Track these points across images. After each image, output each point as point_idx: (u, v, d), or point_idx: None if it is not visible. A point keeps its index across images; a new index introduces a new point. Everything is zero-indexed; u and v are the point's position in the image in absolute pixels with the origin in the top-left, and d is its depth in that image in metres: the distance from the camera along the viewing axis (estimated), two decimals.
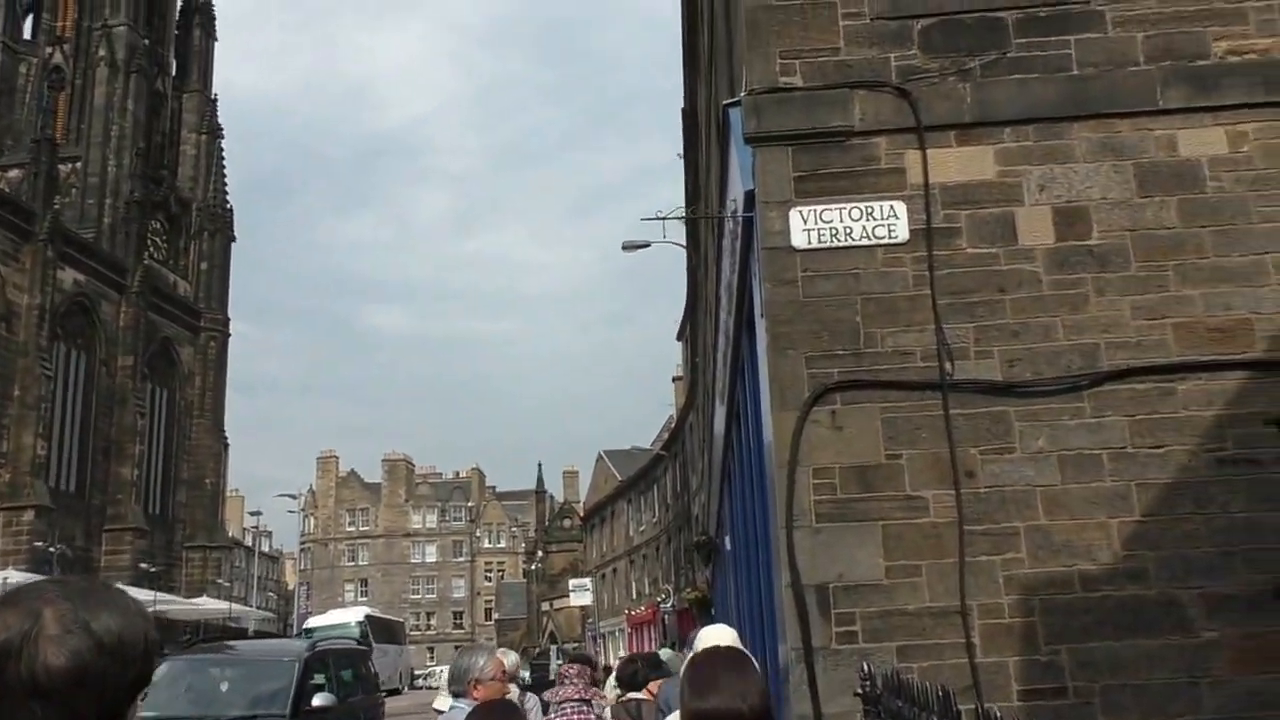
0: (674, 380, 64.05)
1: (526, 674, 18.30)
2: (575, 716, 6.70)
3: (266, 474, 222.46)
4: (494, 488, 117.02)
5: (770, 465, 7.66)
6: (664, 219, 8.42)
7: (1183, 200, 7.85)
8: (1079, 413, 7.45)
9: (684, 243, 32.48)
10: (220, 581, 60.46)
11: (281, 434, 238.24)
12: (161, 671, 13.62)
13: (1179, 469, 7.38)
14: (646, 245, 34.22)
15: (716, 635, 5.14)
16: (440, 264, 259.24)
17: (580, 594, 72.88)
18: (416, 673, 74.82)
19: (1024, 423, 7.45)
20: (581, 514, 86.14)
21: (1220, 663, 7.06)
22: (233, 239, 71.07)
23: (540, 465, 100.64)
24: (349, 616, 47.95)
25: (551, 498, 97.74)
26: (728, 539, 18.64)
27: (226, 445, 68.09)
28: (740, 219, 8.25)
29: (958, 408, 7.46)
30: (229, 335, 69.61)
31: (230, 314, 70.38)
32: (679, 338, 58.87)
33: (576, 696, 6.89)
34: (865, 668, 4.60)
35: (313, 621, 49.05)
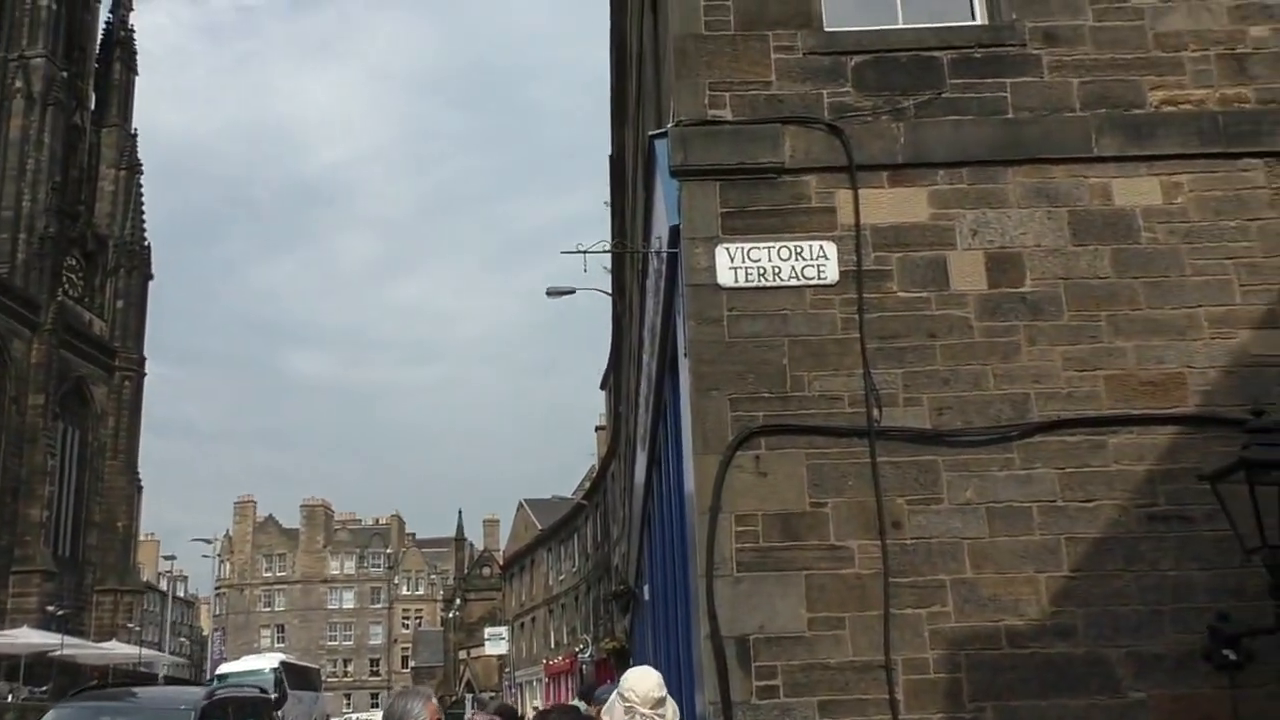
0: (597, 430, 63.61)
1: None
2: None
3: (183, 519, 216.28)
4: (414, 535, 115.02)
5: (691, 512, 7.31)
6: (586, 253, 8.00)
7: (1117, 250, 7.70)
8: (1008, 464, 7.22)
9: (609, 290, 32.26)
10: (131, 626, 58.14)
11: (199, 479, 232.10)
12: (48, 719, 12.77)
13: (1109, 524, 7.16)
14: (571, 291, 33.86)
15: (641, 676, 4.92)
16: (366, 310, 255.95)
17: (496, 643, 71.39)
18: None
19: (952, 473, 7.19)
20: (501, 562, 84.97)
21: None
22: (150, 277, 69.20)
23: (460, 513, 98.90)
24: (264, 663, 46.22)
25: (471, 545, 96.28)
26: (646, 588, 18.20)
27: (140, 487, 65.86)
28: (665, 255, 7.96)
29: (885, 455, 7.19)
30: (144, 375, 67.56)
31: (147, 354, 68.47)
32: (602, 386, 58.58)
33: None
34: None
35: (226, 667, 47.25)
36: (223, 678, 43.43)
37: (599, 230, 33.03)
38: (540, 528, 72.75)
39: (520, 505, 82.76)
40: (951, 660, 6.85)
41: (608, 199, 31.04)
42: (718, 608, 6.84)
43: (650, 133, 8.80)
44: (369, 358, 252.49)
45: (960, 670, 6.84)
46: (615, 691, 4.94)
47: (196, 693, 14.12)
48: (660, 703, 4.73)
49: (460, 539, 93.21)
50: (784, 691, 6.74)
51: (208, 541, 60.12)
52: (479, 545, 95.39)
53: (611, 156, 29.12)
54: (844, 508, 7.09)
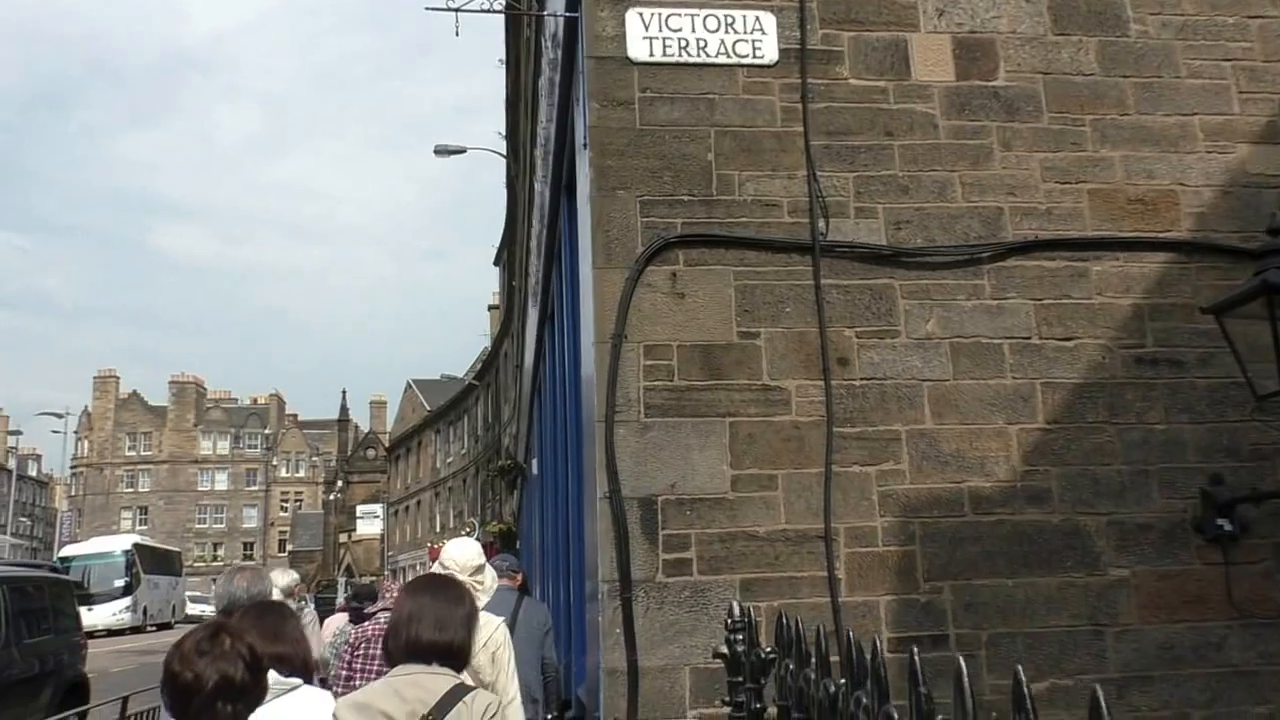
0: (490, 309, 61.84)
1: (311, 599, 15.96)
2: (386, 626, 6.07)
3: (43, 397, 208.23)
4: (295, 416, 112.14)
5: (588, 344, 5.96)
6: (460, 11, 6.36)
7: (1103, 43, 6.52)
8: (977, 291, 6.01)
9: (503, 151, 30.41)
10: None
11: (59, 357, 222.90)
12: None
13: (1091, 367, 6.03)
14: (461, 150, 32.05)
15: (459, 545, 5.18)
16: (248, 188, 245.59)
17: (370, 521, 69.72)
18: (200, 608, 71.03)
19: (911, 300, 5.95)
20: (387, 445, 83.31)
21: (1129, 608, 5.79)
22: None
23: (345, 393, 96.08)
24: (113, 545, 44.16)
25: (357, 428, 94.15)
26: (535, 462, 16.94)
27: None
28: (562, 21, 6.43)
29: (831, 277, 5.92)
30: None
31: None
32: (496, 262, 56.72)
33: (385, 608, 6.27)
34: (737, 611, 2.95)
35: (71, 549, 45.04)
36: (65, 560, 41.47)
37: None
38: (429, 409, 71.13)
39: (408, 385, 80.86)
40: (904, 530, 5.69)
41: (501, 57, 28.83)
42: (619, 460, 5.55)
43: None
44: (250, 236, 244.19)
45: (914, 542, 5.69)
46: (438, 563, 5.06)
47: None
48: (479, 569, 5.00)
49: (344, 420, 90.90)
50: (698, 567, 5.52)
51: (58, 416, 56.63)
52: (365, 427, 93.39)
53: None
54: (780, 339, 5.81)
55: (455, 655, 3.15)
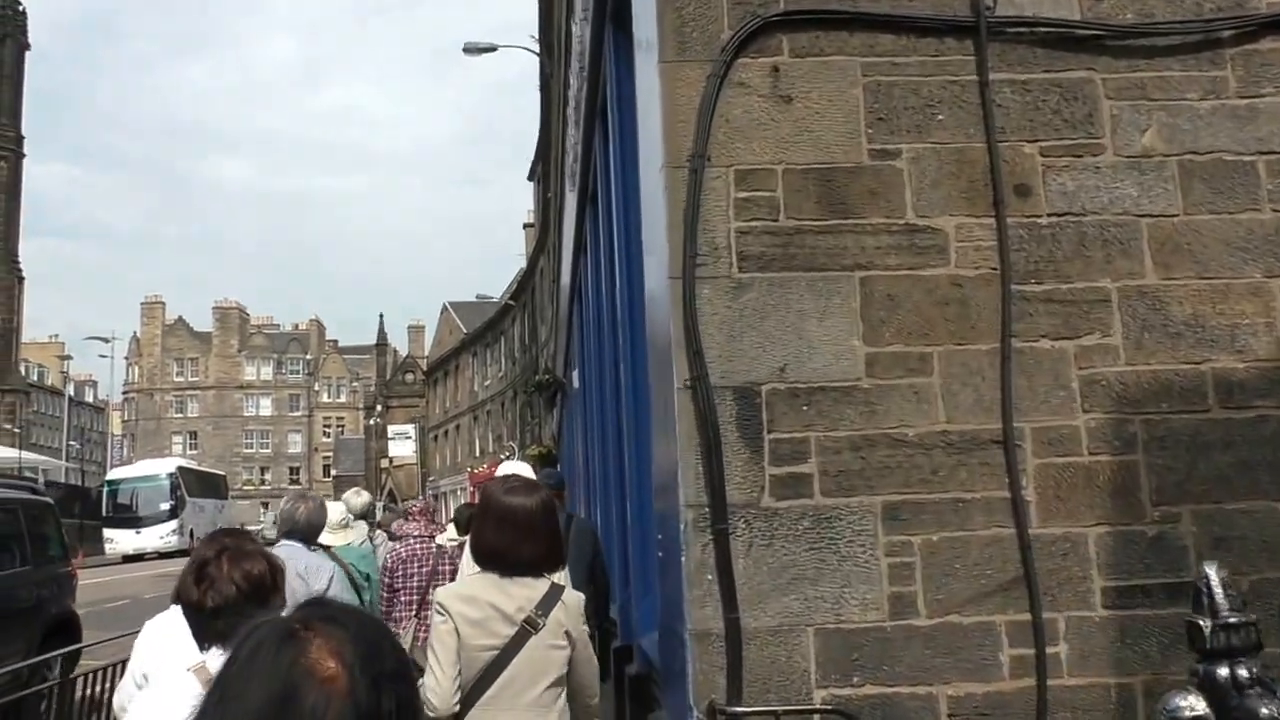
0: (525, 227, 59.85)
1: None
2: (417, 547, 6.85)
3: (98, 325, 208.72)
4: (335, 341, 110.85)
5: (653, 170, 4.10)
6: None
7: None
8: (1218, 86, 4.09)
9: (536, 48, 28.33)
10: (9, 428, 53.37)
11: (111, 284, 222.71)
12: None
13: None
14: (492, 48, 29.97)
15: (514, 465, 5.74)
16: (288, 115, 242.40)
17: (402, 443, 68.06)
18: (249, 528, 70.35)
19: (1121, 101, 4.05)
20: (424, 369, 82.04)
21: None
22: (26, 46, 61.30)
23: (382, 317, 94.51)
24: (159, 468, 43.03)
25: (395, 352, 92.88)
26: (576, 374, 15.13)
27: (21, 278, 59.60)
28: None
29: (1004, 70, 4.03)
30: (23, 155, 60.31)
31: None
32: (530, 177, 54.71)
33: (417, 533, 7.03)
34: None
35: (117, 473, 44.07)
36: (112, 484, 40.52)
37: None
38: (465, 331, 69.57)
39: (444, 308, 79.30)
40: (1120, 431, 3.86)
41: None
42: (704, 336, 3.72)
43: None
44: (290, 165, 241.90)
45: (1135, 449, 3.85)
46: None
47: None
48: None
49: (382, 344, 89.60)
50: (822, 485, 3.72)
51: (105, 340, 55.03)
52: (404, 352, 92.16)
53: None
54: (930, 160, 3.95)
55: (547, 568, 3.29)
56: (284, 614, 1.34)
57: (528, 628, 3.13)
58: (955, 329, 3.87)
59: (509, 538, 3.26)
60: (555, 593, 3.22)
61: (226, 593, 2.95)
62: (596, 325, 9.81)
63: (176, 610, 3.07)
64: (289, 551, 5.31)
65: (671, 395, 3.78)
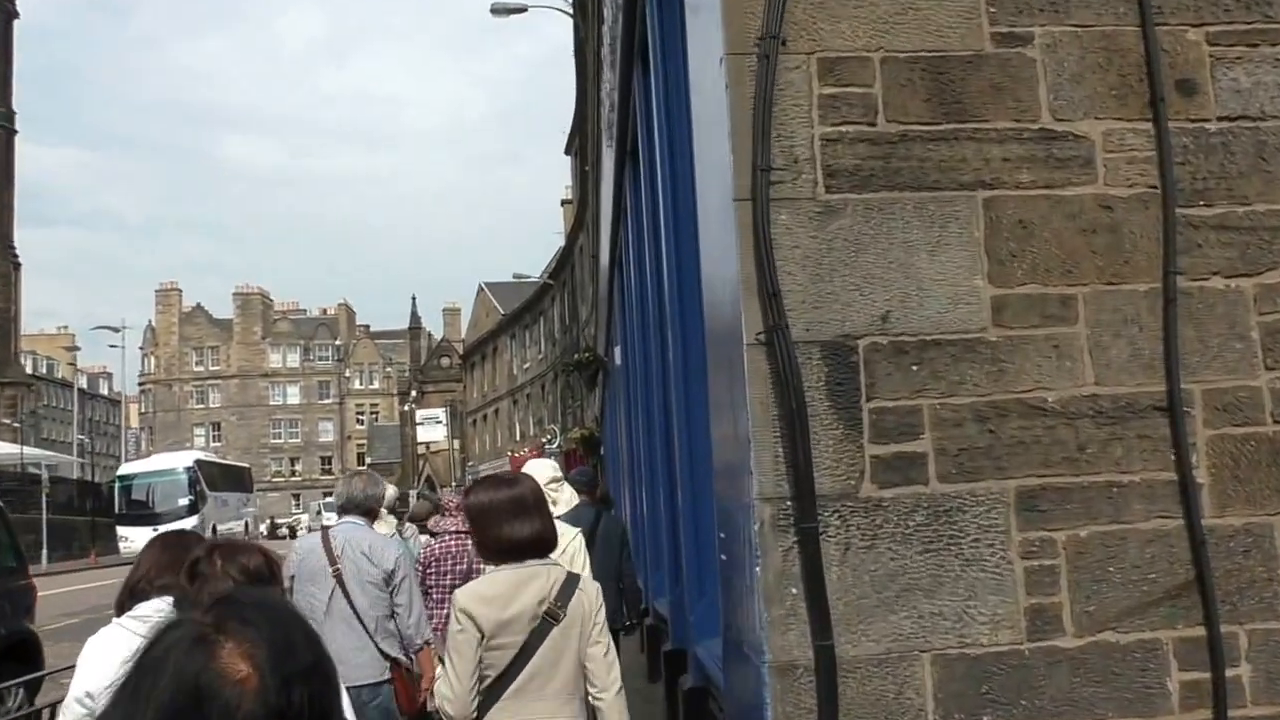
0: (562, 204, 59.24)
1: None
2: (453, 544, 6.53)
3: (110, 315, 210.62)
4: (366, 326, 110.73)
5: (712, 58, 3.39)
6: None
7: None
8: None
9: (568, 7, 27.65)
10: (8, 422, 52.75)
11: (125, 273, 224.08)
12: None
13: None
14: (522, 9, 29.33)
15: (538, 465, 5.78)
16: (310, 93, 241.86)
17: (431, 427, 67.28)
18: (280, 521, 70.24)
19: None
20: (461, 352, 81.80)
21: None
22: (14, 14, 60.03)
23: (414, 299, 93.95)
24: (175, 461, 42.54)
25: (430, 336, 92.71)
26: (617, 351, 14.47)
27: (17, 264, 58.38)
28: None
29: None
30: (14, 131, 59.33)
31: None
32: (567, 151, 54.12)
33: (454, 529, 6.66)
34: None
35: (130, 467, 43.41)
36: (124, 479, 40.22)
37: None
38: (503, 313, 69.21)
39: (480, 289, 78.89)
40: None
41: None
42: (782, 276, 3.04)
43: None
44: (314, 146, 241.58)
45: None
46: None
47: None
48: (555, 480, 5.74)
49: (415, 328, 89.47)
50: (938, 467, 3.04)
51: (114, 330, 54.31)
52: (439, 336, 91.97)
53: None
54: (1070, 48, 3.24)
55: (548, 545, 3.35)
56: (195, 613, 1.34)
57: (549, 619, 3.19)
58: (1105, 264, 3.16)
59: (497, 526, 3.32)
60: (573, 581, 3.30)
61: (224, 590, 2.62)
62: (639, 292, 9.14)
63: (119, 624, 2.93)
64: (349, 530, 5.23)
65: (739, 354, 3.10)
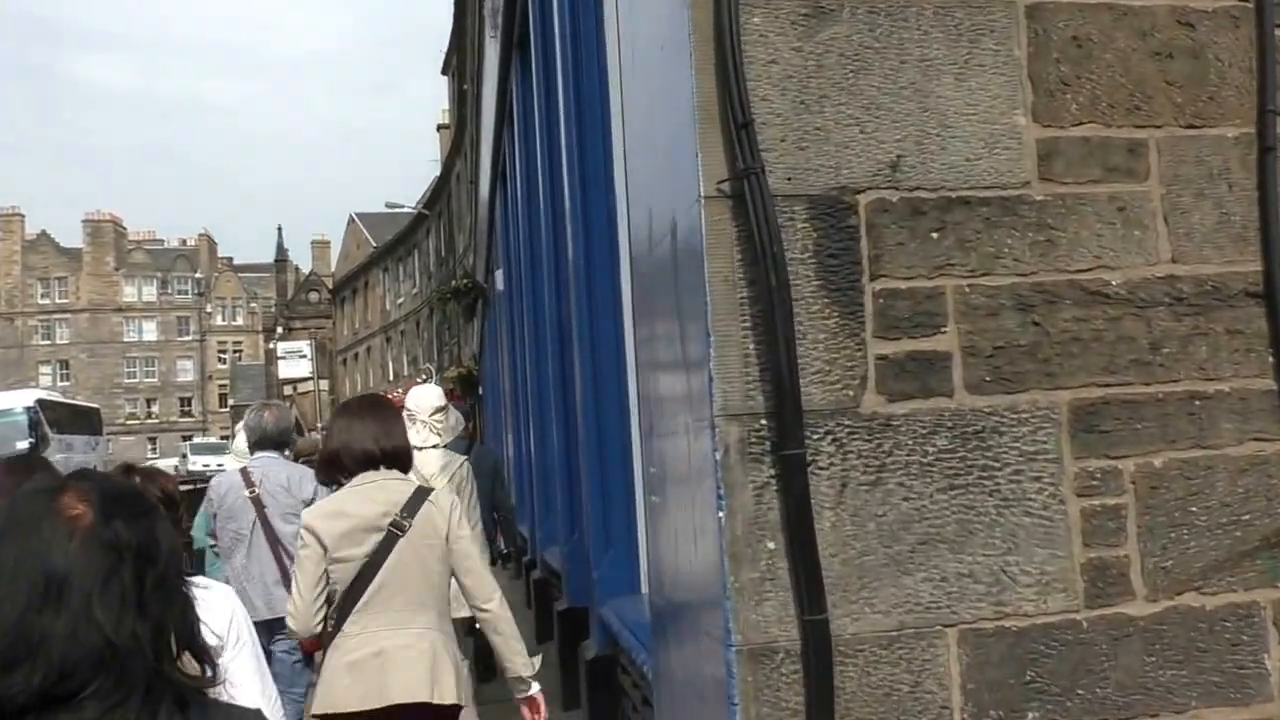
0: (439, 129, 57.57)
1: None
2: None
3: None
4: (229, 259, 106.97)
5: None
6: None
7: None
8: None
9: None
10: None
11: None
12: None
13: None
14: None
15: (423, 391, 5.77)
16: (170, 10, 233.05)
17: (294, 362, 64.77)
18: (156, 465, 67.86)
19: None
20: (330, 287, 79.71)
21: None
22: None
23: (280, 230, 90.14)
24: (13, 401, 40.11)
25: (298, 270, 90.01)
26: (499, 275, 13.48)
27: None
28: None
29: None
30: None
31: None
32: (444, 71, 52.46)
33: None
34: None
35: None
36: None
37: None
38: (375, 245, 67.49)
39: (351, 220, 76.77)
40: None
41: None
42: (754, 100, 2.21)
43: None
44: (174, 67, 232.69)
45: None
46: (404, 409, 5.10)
47: None
48: (438, 410, 5.52)
49: (282, 261, 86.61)
50: (965, 372, 2.28)
51: None
52: (307, 270, 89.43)
53: None
54: None
55: (402, 459, 3.45)
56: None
57: (394, 531, 3.25)
58: (1185, 100, 2.41)
59: (357, 441, 3.38)
60: (421, 494, 3.36)
61: None
62: (528, 197, 8.24)
63: None
64: (265, 463, 5.38)
65: (690, 214, 2.26)
